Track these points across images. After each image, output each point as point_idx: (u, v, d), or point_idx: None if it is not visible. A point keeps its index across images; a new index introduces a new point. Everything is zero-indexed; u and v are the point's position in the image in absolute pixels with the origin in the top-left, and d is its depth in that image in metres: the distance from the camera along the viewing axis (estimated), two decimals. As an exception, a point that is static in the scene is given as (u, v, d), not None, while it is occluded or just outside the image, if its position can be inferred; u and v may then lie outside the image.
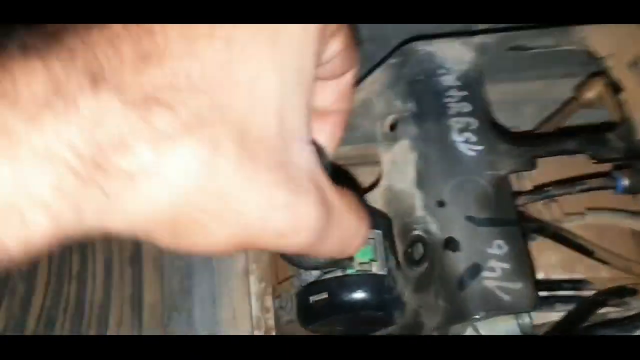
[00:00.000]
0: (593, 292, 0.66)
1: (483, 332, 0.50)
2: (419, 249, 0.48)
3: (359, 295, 0.46)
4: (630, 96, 0.51)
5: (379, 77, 0.56)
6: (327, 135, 0.37)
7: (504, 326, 0.51)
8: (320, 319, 0.47)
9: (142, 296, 0.67)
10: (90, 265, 0.66)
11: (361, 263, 0.48)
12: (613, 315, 0.65)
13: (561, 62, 0.74)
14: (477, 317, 0.43)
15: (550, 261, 0.71)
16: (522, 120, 0.76)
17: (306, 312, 0.48)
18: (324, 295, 0.47)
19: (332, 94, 0.35)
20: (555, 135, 0.50)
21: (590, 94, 0.61)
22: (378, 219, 0.50)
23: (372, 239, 0.48)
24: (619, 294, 0.63)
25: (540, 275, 0.70)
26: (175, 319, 0.68)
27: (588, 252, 0.64)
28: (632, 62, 0.52)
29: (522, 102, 0.77)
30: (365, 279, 0.47)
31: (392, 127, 0.54)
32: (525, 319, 0.52)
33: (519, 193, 0.61)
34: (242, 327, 0.66)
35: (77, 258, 0.66)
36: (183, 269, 0.69)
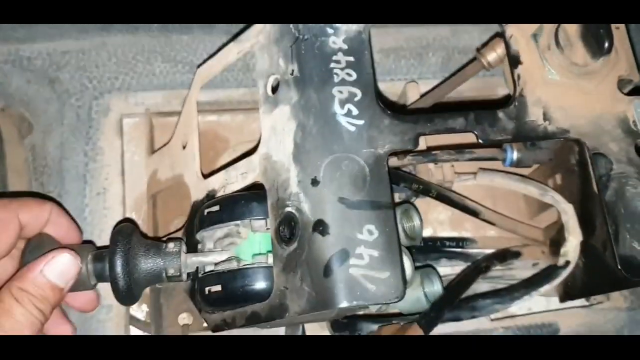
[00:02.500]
0: (476, 250, 0.67)
1: None
2: (291, 228, 0.45)
3: (251, 289, 0.47)
4: (526, 71, 0.49)
5: (264, 29, 0.50)
6: None
7: (410, 293, 0.51)
8: (215, 308, 0.50)
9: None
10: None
11: (255, 255, 0.48)
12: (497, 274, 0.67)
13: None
14: (341, 306, 0.41)
15: (440, 218, 0.71)
16: (427, 69, 0.73)
17: (202, 299, 0.50)
18: (218, 288, 0.48)
19: None
20: (442, 112, 0.46)
21: (492, 56, 0.58)
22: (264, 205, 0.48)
23: (269, 229, 0.47)
24: (501, 258, 0.64)
25: (428, 232, 0.71)
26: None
27: (474, 213, 0.64)
28: (534, 34, 0.49)
29: (427, 50, 0.73)
30: (258, 273, 0.47)
31: (274, 89, 0.49)
32: (434, 287, 0.52)
33: (409, 152, 0.59)
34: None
35: None
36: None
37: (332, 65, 0.47)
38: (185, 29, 0.70)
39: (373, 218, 0.43)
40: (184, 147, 0.59)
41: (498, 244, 0.68)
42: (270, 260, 0.47)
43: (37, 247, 0.51)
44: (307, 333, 0.60)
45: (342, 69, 0.46)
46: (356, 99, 0.46)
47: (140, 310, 0.65)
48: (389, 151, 0.45)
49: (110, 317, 0.61)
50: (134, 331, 0.64)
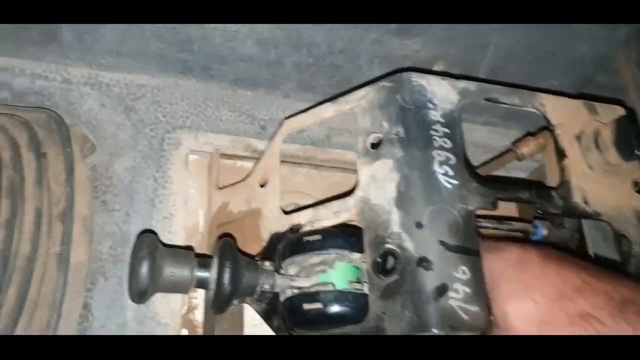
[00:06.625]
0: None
1: None
2: (390, 261, 0.53)
3: (351, 310, 0.53)
4: (571, 163, 0.61)
5: (367, 95, 0.60)
6: None
7: None
8: (309, 327, 0.54)
9: (69, 255, 0.64)
10: (19, 214, 0.61)
11: (351, 282, 0.55)
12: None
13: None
14: (438, 331, 0.49)
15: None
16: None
17: (295, 317, 0.55)
18: (318, 305, 0.53)
19: None
20: (513, 184, 0.57)
21: (525, 149, 0.70)
22: (361, 241, 0.55)
23: (365, 262, 0.54)
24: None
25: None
26: (100, 284, 0.65)
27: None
28: (577, 135, 0.62)
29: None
30: (358, 296, 0.54)
31: (374, 145, 0.58)
32: None
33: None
34: (173, 304, 0.66)
35: (7, 204, 0.61)
36: (116, 235, 0.67)
37: (432, 132, 0.57)
38: (252, 86, 0.78)
39: (465, 261, 0.52)
40: (261, 186, 0.66)
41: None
42: (366, 288, 0.54)
43: None
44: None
45: (440, 137, 0.57)
46: (450, 162, 0.56)
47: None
48: (476, 209, 0.55)
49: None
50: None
